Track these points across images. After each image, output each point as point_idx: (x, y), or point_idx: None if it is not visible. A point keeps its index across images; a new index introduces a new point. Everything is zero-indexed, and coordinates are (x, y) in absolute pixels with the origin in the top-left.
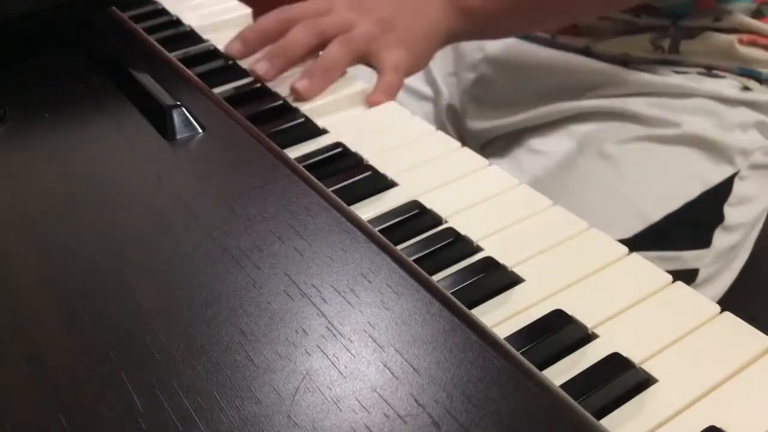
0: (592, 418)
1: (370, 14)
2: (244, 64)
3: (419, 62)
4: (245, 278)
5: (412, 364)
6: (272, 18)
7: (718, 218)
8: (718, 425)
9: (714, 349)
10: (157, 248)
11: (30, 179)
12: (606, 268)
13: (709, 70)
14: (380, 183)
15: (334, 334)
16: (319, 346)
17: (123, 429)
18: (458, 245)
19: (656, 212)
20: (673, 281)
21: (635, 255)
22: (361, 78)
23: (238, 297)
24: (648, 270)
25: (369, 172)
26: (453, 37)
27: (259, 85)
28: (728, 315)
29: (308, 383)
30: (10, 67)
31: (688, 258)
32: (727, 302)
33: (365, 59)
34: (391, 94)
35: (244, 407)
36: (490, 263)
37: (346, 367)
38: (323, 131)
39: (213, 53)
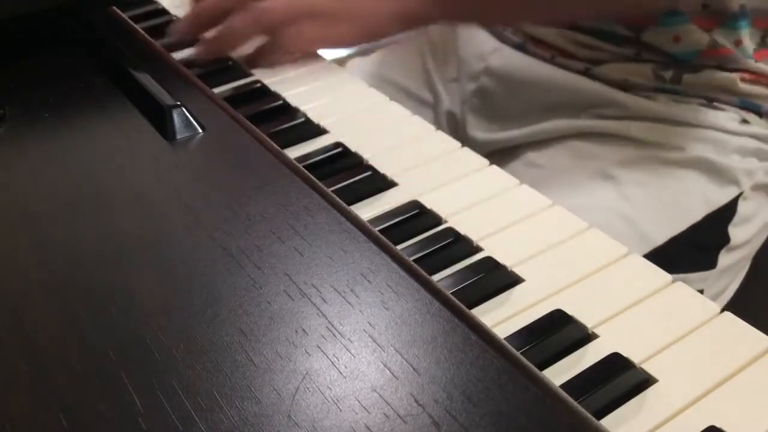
0: (592, 418)
1: None
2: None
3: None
4: (245, 278)
5: (412, 364)
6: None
7: (724, 240)
8: (718, 425)
9: (714, 349)
10: (157, 248)
11: (30, 179)
12: (606, 268)
13: (710, 102)
14: (380, 183)
15: (334, 334)
16: (319, 346)
17: (123, 429)
18: (458, 245)
19: (661, 235)
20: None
21: (635, 255)
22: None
23: (238, 297)
24: (648, 270)
25: (369, 172)
26: (417, 20)
27: (259, 85)
28: (728, 315)
29: (308, 383)
30: (10, 67)
31: (693, 280)
32: (727, 302)
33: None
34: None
35: (244, 407)
36: (490, 263)
37: (346, 367)
38: (323, 131)
39: None
